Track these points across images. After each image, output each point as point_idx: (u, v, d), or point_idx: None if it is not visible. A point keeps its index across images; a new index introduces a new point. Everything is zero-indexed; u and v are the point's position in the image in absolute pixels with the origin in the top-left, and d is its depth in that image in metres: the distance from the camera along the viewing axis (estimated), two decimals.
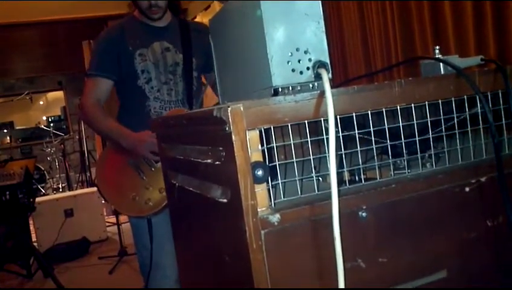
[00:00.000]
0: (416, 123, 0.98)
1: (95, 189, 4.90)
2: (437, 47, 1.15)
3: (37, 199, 4.73)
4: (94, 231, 4.97)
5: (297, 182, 0.91)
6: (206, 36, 2.19)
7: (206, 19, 6.12)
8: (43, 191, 7.20)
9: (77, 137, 7.17)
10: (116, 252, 4.37)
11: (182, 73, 2.12)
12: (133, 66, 2.06)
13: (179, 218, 1.38)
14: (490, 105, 1.01)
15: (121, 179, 2.01)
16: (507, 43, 2.49)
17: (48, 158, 7.48)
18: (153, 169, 1.99)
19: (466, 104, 1.01)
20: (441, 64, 1.10)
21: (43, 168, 7.47)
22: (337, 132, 0.83)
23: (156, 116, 2.07)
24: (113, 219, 5.23)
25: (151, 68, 2.07)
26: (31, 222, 4.56)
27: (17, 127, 9.22)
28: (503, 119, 1.05)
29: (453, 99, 1.00)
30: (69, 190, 6.92)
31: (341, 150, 0.92)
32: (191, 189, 1.15)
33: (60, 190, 7.17)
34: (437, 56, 1.12)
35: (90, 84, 2.09)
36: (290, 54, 0.90)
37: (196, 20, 6.37)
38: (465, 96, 1.01)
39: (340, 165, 0.93)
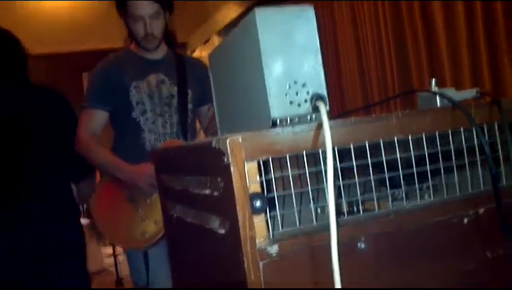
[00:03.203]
0: (414, 155, 0.98)
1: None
2: (433, 80, 1.17)
3: None
4: (91, 262, 4.87)
5: (296, 213, 0.91)
6: (200, 70, 2.24)
7: (205, 52, 6.20)
8: None
9: None
10: (113, 283, 4.32)
11: (177, 105, 2.13)
12: (128, 98, 2.07)
13: (177, 249, 1.37)
14: (486, 137, 1.03)
15: (117, 211, 2.01)
16: (501, 76, 2.53)
17: None
18: (148, 201, 1.98)
19: (463, 136, 1.03)
20: (437, 96, 1.12)
21: None
22: (335, 164, 0.84)
23: (151, 148, 2.08)
24: (109, 250, 5.17)
25: (146, 100, 2.08)
26: None
27: None
28: (500, 150, 1.06)
29: (449, 131, 1.01)
30: None
31: (339, 182, 0.93)
32: (189, 220, 1.14)
33: None
34: (433, 88, 1.14)
35: (86, 116, 2.10)
36: (288, 86, 0.91)
37: (195, 53, 6.46)
38: (462, 129, 1.02)
39: (338, 196, 0.93)
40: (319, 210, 1.00)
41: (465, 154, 1.03)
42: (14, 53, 2.16)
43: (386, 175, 0.97)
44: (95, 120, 2.09)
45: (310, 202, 0.93)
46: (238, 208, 0.82)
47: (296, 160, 0.94)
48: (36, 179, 2.12)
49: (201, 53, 6.36)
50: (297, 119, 0.92)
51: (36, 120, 2.14)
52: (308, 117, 0.93)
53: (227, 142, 0.82)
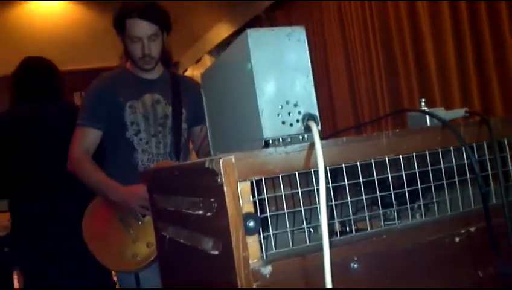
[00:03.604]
0: (405, 174, 0.99)
1: None
2: (423, 99, 1.18)
3: None
4: None
5: (289, 233, 0.91)
6: (194, 90, 2.23)
7: (196, 71, 6.23)
8: None
9: None
10: None
11: (171, 125, 2.13)
12: (122, 118, 2.06)
13: (169, 271, 1.36)
14: (476, 156, 1.04)
15: (108, 232, 1.98)
16: (490, 96, 2.57)
17: None
18: (140, 223, 1.96)
19: (453, 155, 1.04)
20: (427, 116, 1.13)
21: None
22: (327, 183, 0.84)
23: (144, 168, 2.06)
24: None
25: (140, 120, 2.08)
26: (14, 276, 4.43)
27: None
28: (489, 169, 1.07)
29: (439, 150, 1.02)
30: None
31: (331, 201, 0.93)
32: (181, 241, 1.14)
33: None
34: (423, 108, 1.16)
35: (79, 134, 2.08)
36: (280, 106, 0.92)
37: (187, 72, 6.48)
38: (452, 148, 1.03)
39: (331, 216, 0.93)
40: (311, 230, 1.00)
41: (455, 173, 1.04)
42: (52, 78, 2.72)
43: (378, 195, 0.97)
44: (89, 138, 2.07)
45: (303, 222, 0.93)
46: (231, 228, 0.82)
47: (289, 180, 0.94)
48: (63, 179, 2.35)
49: (193, 72, 6.39)
50: (289, 139, 0.93)
51: (67, 128, 2.35)
52: (300, 137, 0.94)
53: (221, 163, 0.82)
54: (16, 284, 4.46)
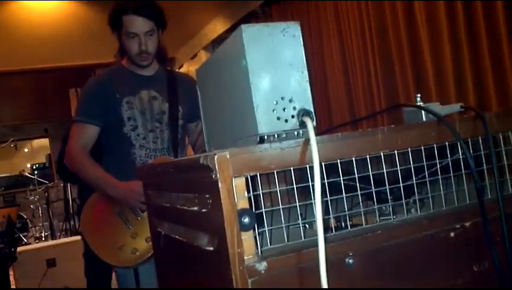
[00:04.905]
0: (400, 169, 0.99)
1: (78, 238, 4.80)
2: (418, 95, 1.18)
3: (19, 249, 4.61)
4: (77, 282, 4.82)
5: (284, 229, 0.91)
6: (190, 86, 2.23)
7: (192, 67, 6.22)
8: (25, 240, 7.03)
9: (61, 185, 7.07)
10: None
11: (167, 121, 2.13)
12: (119, 114, 2.06)
13: (165, 267, 1.36)
14: (471, 151, 1.04)
15: (107, 228, 1.98)
16: (485, 91, 2.57)
17: (31, 206, 7.33)
18: (139, 218, 1.96)
19: (448, 150, 1.04)
20: (423, 111, 1.13)
21: (25, 217, 7.32)
22: (322, 179, 0.84)
23: (142, 164, 2.06)
24: None
25: (137, 116, 2.08)
26: (11, 272, 4.43)
27: (1, 175, 9.09)
28: (484, 164, 1.07)
29: (435, 145, 1.02)
30: (52, 239, 6.76)
31: (327, 197, 0.93)
32: (176, 237, 1.14)
33: (43, 238, 7.00)
34: (419, 103, 1.15)
35: (77, 130, 2.08)
36: (275, 102, 0.92)
37: (183, 68, 6.47)
38: (447, 143, 1.03)
39: (326, 211, 0.93)
40: (307, 225, 1.00)
41: (451, 168, 1.04)
42: None
43: (373, 190, 0.97)
44: (86, 134, 2.07)
45: (298, 218, 0.93)
46: (226, 224, 0.82)
47: (284, 176, 0.94)
48: None
49: (188, 68, 6.38)
50: (284, 134, 0.93)
51: None
52: (296, 133, 0.94)
53: (215, 159, 0.82)
54: (12, 280, 4.46)
